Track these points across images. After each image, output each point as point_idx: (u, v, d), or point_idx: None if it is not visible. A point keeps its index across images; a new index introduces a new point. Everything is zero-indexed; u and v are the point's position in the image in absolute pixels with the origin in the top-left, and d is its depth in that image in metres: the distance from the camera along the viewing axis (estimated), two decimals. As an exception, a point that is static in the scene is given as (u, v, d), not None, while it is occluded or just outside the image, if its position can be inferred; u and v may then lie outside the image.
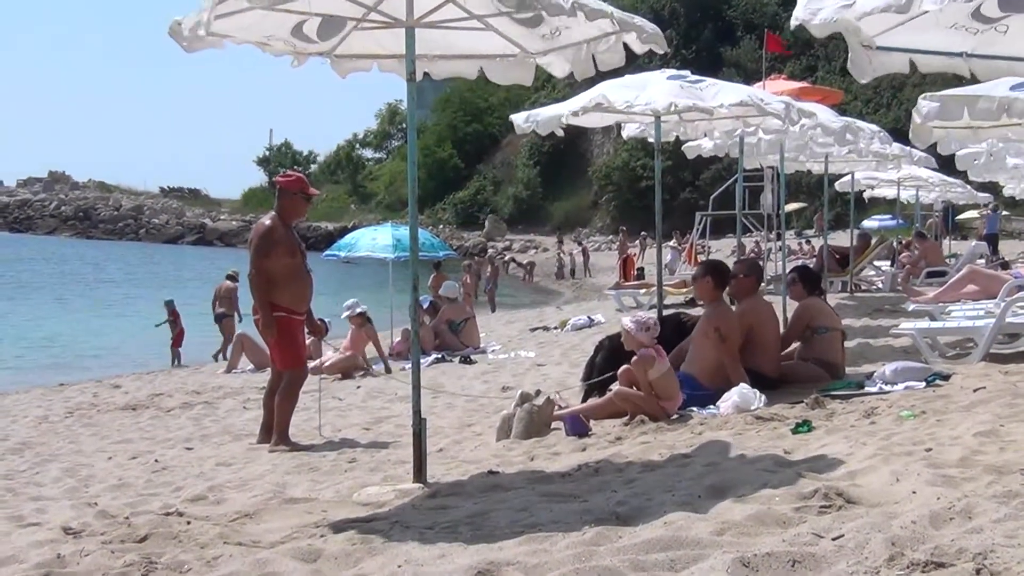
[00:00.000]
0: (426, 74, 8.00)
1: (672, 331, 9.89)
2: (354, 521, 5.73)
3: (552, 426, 8.71)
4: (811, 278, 10.76)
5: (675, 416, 8.53)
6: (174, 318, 23.21)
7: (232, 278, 22.52)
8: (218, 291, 22.83)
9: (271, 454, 9.33)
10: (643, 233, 51.00)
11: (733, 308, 9.82)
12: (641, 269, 33.23)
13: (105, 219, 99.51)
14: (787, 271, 13.28)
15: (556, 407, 8.95)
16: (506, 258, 61.35)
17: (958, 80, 7.49)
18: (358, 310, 16.61)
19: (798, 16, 6.15)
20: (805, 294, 10.37)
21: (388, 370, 16.00)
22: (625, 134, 13.25)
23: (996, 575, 3.69)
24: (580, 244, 59.62)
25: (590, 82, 9.72)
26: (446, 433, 9.59)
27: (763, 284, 15.19)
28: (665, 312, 11.76)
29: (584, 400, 9.66)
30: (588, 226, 76.17)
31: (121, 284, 48.45)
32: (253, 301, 9.75)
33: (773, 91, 14.47)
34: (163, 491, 7.83)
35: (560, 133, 11.49)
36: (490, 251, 65.18)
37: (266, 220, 9.80)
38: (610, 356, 9.81)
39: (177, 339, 23.03)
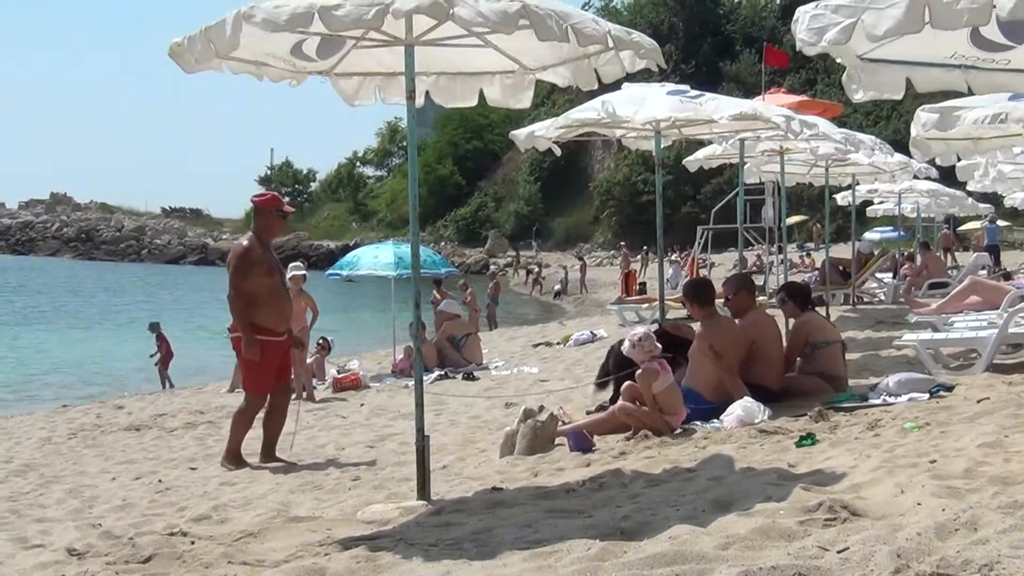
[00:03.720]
0: (427, 93, 8.04)
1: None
2: (358, 539, 5.71)
3: (556, 442, 8.70)
4: (801, 294, 10.68)
5: (679, 430, 8.52)
6: (160, 342, 23.19)
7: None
8: None
9: (223, 470, 9.62)
10: (644, 248, 51.07)
11: (736, 322, 9.85)
12: (643, 284, 33.27)
13: (107, 240, 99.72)
14: (778, 290, 13.27)
15: (560, 423, 8.95)
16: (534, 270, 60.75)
17: (958, 93, 7.49)
18: (300, 271, 16.30)
19: (802, 39, 6.14)
20: (798, 311, 10.34)
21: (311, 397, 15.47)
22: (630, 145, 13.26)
23: (1002, 586, 3.69)
24: (580, 259, 59.39)
25: (590, 96, 9.75)
26: (450, 450, 9.58)
27: (765, 297, 15.19)
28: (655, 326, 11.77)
29: (612, 399, 9.59)
30: (590, 241, 76.23)
31: (129, 306, 48.19)
32: (233, 321, 9.87)
33: (773, 105, 14.48)
34: (167, 511, 7.83)
35: (557, 152, 11.49)
36: (491, 268, 65.20)
37: (243, 241, 9.91)
38: (621, 360, 9.84)
39: (165, 360, 23.01)
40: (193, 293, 54.05)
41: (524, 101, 7.99)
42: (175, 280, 69.90)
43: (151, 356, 23.28)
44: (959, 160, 12.33)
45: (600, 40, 6.38)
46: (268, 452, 9.92)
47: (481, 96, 8.12)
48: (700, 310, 9.74)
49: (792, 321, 10.55)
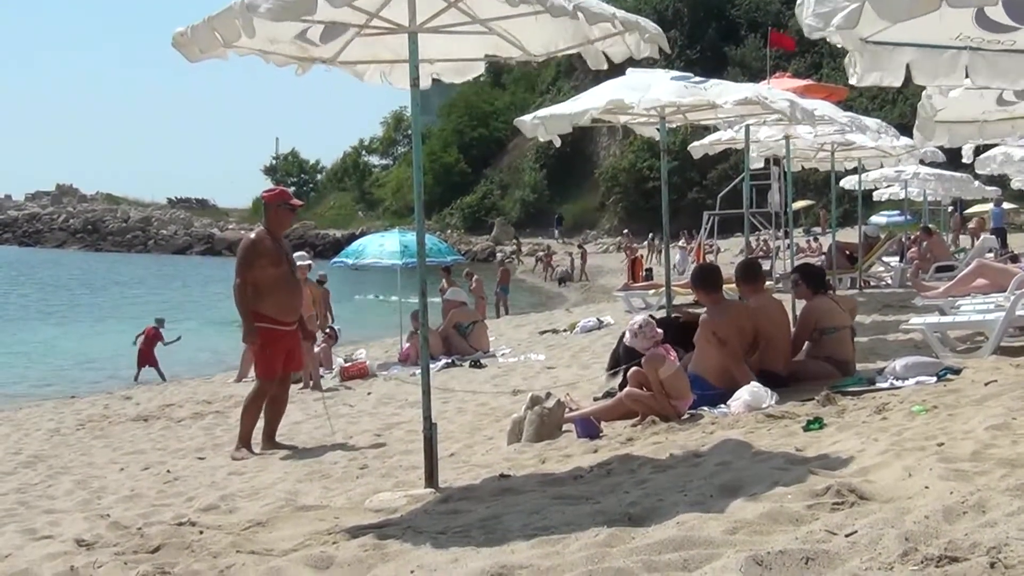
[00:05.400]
0: (433, 80, 8.06)
1: (674, 333, 9.94)
2: (366, 527, 5.72)
3: (563, 428, 8.70)
4: (814, 277, 10.64)
5: (686, 416, 8.52)
6: (147, 336, 23.31)
7: (321, 281, 22.94)
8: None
9: (235, 461, 9.71)
10: (651, 234, 50.99)
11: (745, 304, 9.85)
12: (649, 270, 33.24)
13: (114, 231, 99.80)
14: (791, 271, 13.25)
15: (567, 409, 8.95)
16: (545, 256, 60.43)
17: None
18: (305, 262, 16.24)
19: (809, 24, 6.10)
20: (810, 294, 10.31)
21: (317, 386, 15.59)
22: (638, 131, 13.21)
23: (1010, 568, 3.67)
24: (580, 247, 59.10)
25: (595, 83, 9.72)
26: (457, 438, 9.59)
27: (771, 282, 15.15)
28: (663, 314, 11.75)
29: (621, 386, 9.60)
30: (596, 228, 76.16)
31: (144, 299, 47.93)
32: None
33: (778, 89, 14.45)
34: (175, 501, 7.85)
35: (557, 142, 11.45)
36: (499, 255, 65.13)
37: (251, 234, 10.39)
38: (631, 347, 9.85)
39: (143, 358, 23.09)
40: (208, 285, 53.91)
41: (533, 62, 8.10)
42: (186, 271, 69.79)
43: (167, 343, 23.49)
44: (965, 143, 12.29)
45: (607, 19, 6.37)
46: (269, 438, 10.21)
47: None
48: (706, 296, 9.73)
49: (800, 303, 10.54)
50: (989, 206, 36.18)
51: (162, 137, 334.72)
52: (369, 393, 14.57)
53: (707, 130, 15.40)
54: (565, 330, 20.59)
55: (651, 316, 10.61)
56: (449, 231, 79.43)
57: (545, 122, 10.98)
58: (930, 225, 28.05)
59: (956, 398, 7.68)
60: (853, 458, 5.93)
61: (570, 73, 76.19)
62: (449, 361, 17.14)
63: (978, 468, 5.23)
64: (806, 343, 10.08)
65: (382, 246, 19.33)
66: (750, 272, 10.33)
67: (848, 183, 25.45)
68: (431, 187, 76.32)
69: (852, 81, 6.99)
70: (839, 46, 6.60)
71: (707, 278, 9.92)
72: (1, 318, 39.69)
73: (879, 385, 8.81)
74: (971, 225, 38.13)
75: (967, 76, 7.00)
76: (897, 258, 25.47)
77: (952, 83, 7.80)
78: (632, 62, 7.43)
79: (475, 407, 11.68)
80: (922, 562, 3.84)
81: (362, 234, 36.30)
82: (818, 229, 51.11)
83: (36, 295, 50.59)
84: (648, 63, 7.99)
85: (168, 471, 9.58)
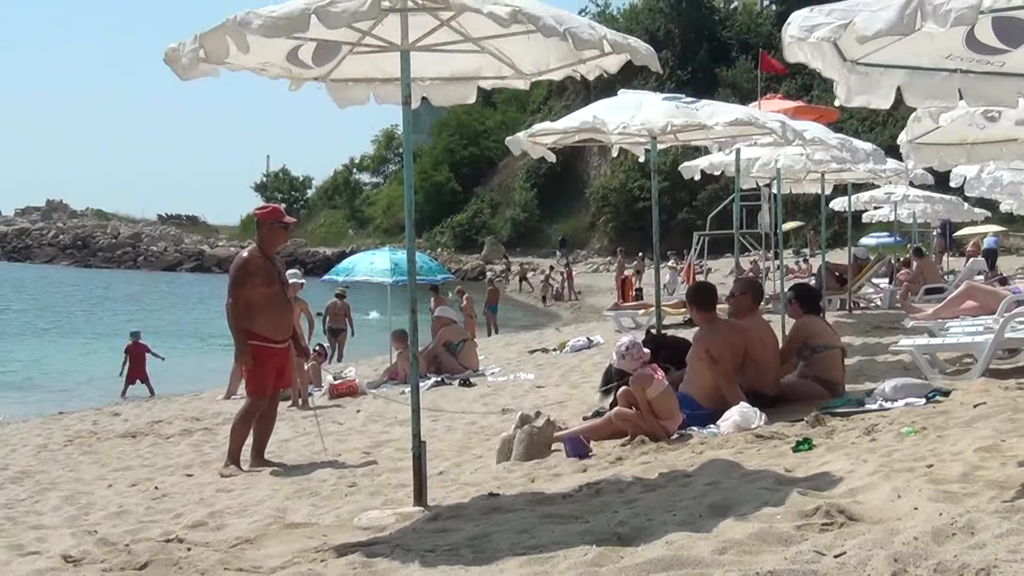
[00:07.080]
0: (423, 98, 8.07)
1: (667, 352, 9.96)
2: (355, 545, 5.71)
3: (552, 447, 8.69)
4: (807, 297, 10.72)
5: (675, 436, 8.52)
6: (128, 354, 23.19)
7: (341, 296, 23.07)
8: (331, 308, 23.32)
9: (224, 478, 9.65)
10: (640, 254, 50.97)
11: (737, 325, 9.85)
12: (639, 290, 33.27)
13: (103, 247, 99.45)
14: (784, 289, 13.29)
15: (556, 428, 8.95)
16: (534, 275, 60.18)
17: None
18: (298, 280, 16.09)
19: (792, 35, 6.11)
20: (801, 313, 10.36)
21: (305, 403, 15.59)
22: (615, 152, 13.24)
23: (999, 590, 3.68)
24: (566, 266, 58.77)
25: (586, 102, 9.74)
26: (446, 456, 9.57)
27: (762, 303, 15.20)
28: (652, 333, 11.75)
29: (612, 404, 9.60)
30: (586, 247, 76.17)
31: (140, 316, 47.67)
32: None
33: (769, 111, 14.51)
34: (163, 518, 7.82)
35: (552, 158, 11.50)
36: (489, 274, 64.98)
37: (244, 252, 10.33)
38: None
39: (134, 373, 22.93)
40: (201, 302, 53.73)
41: (523, 86, 8.13)
42: (177, 288, 69.55)
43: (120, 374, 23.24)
44: (955, 165, 12.34)
45: (596, 45, 6.38)
46: (258, 455, 10.18)
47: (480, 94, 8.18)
48: (700, 314, 9.74)
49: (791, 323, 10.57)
50: (979, 228, 36.37)
51: (153, 153, 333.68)
52: (358, 411, 14.54)
53: (698, 151, 15.45)
54: (555, 349, 20.56)
55: (647, 329, 10.64)
56: (439, 249, 79.37)
57: (534, 139, 11.03)
58: (920, 246, 28.17)
59: (945, 420, 7.69)
60: (842, 479, 5.94)
61: (561, 92, 76.29)
62: (438, 379, 17.09)
63: (967, 490, 5.25)
64: (799, 363, 10.10)
65: (372, 264, 19.29)
66: (754, 290, 10.44)
67: (838, 204, 25.53)
68: (421, 205, 76.14)
69: (843, 101, 7.00)
70: (813, 69, 6.61)
71: (700, 296, 9.95)
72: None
73: (868, 406, 8.82)
74: (969, 248, 38.29)
75: (960, 98, 7.02)
76: (886, 280, 25.53)
77: (944, 105, 7.84)
78: (624, 80, 7.46)
79: (464, 426, 11.67)
80: (911, 583, 3.85)
81: (352, 252, 36.24)
82: (807, 250, 51.23)
83: (32, 312, 50.32)
84: (640, 83, 8.03)
85: (156, 488, 9.55)
